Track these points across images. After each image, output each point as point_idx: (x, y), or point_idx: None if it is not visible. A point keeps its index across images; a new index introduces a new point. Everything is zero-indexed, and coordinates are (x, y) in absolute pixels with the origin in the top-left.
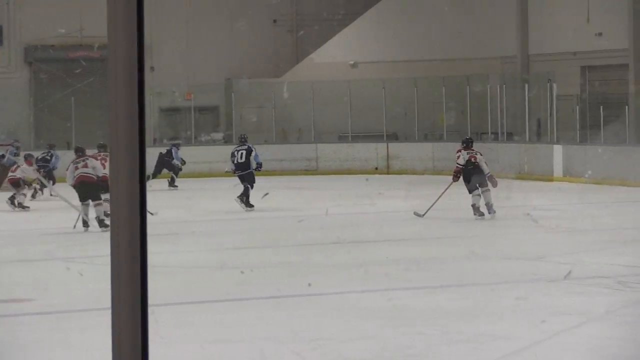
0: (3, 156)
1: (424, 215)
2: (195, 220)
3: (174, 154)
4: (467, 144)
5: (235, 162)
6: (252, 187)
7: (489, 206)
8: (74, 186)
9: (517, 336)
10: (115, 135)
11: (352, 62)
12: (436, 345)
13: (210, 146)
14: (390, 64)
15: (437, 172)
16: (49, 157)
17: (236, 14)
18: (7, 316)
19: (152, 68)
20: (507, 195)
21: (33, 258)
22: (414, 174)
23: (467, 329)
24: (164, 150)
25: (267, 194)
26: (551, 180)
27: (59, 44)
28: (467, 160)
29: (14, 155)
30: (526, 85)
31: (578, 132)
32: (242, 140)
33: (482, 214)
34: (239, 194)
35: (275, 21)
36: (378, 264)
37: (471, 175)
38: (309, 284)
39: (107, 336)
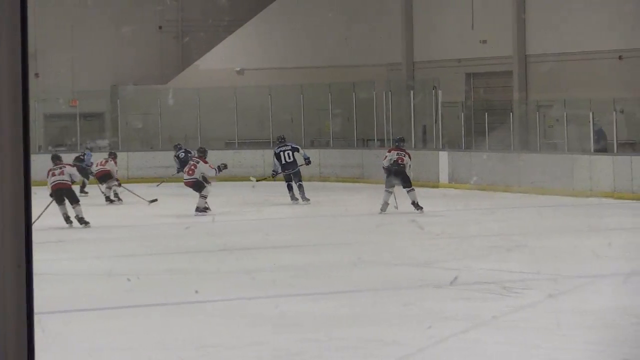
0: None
1: (397, 207)
2: (81, 227)
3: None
4: (399, 144)
5: (284, 162)
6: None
7: (415, 204)
8: (51, 194)
9: (404, 342)
10: None
11: (238, 69)
12: (324, 351)
13: (95, 153)
14: (276, 71)
15: (323, 178)
16: (82, 157)
17: (121, 20)
18: None
19: (36, 74)
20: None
21: None
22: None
23: (355, 335)
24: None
25: (155, 200)
26: (437, 186)
27: None
28: (394, 161)
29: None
30: (411, 92)
31: (463, 138)
32: (282, 140)
33: (384, 210)
34: (302, 199)
35: (160, 27)
36: (265, 271)
37: (395, 175)
38: (196, 291)
39: None
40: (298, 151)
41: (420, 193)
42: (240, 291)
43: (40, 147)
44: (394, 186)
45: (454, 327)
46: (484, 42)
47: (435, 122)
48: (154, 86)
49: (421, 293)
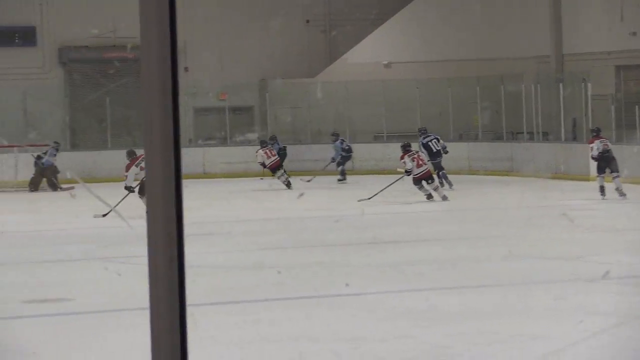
0: (40, 157)
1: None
2: (231, 220)
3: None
4: (597, 133)
5: (434, 150)
6: None
7: (619, 191)
8: (140, 188)
9: (555, 336)
10: (149, 136)
11: (385, 62)
12: (472, 345)
13: (245, 146)
14: (424, 64)
15: (472, 171)
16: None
17: (269, 14)
18: (46, 315)
19: (186, 68)
20: (543, 195)
21: (71, 258)
22: (449, 173)
23: (504, 329)
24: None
25: (302, 194)
26: (587, 179)
27: (92, 45)
28: (602, 149)
29: (53, 156)
30: (560, 85)
31: (614, 131)
32: (424, 131)
33: (603, 193)
34: (442, 188)
35: (308, 21)
36: (414, 264)
37: (608, 161)
38: (347, 284)
39: (145, 336)
40: (439, 140)
41: (570, 186)
42: (389, 284)
43: (190, 141)
44: (605, 172)
45: (605, 322)
46: (634, 34)
47: (585, 115)
48: (302, 80)
49: (572, 287)
